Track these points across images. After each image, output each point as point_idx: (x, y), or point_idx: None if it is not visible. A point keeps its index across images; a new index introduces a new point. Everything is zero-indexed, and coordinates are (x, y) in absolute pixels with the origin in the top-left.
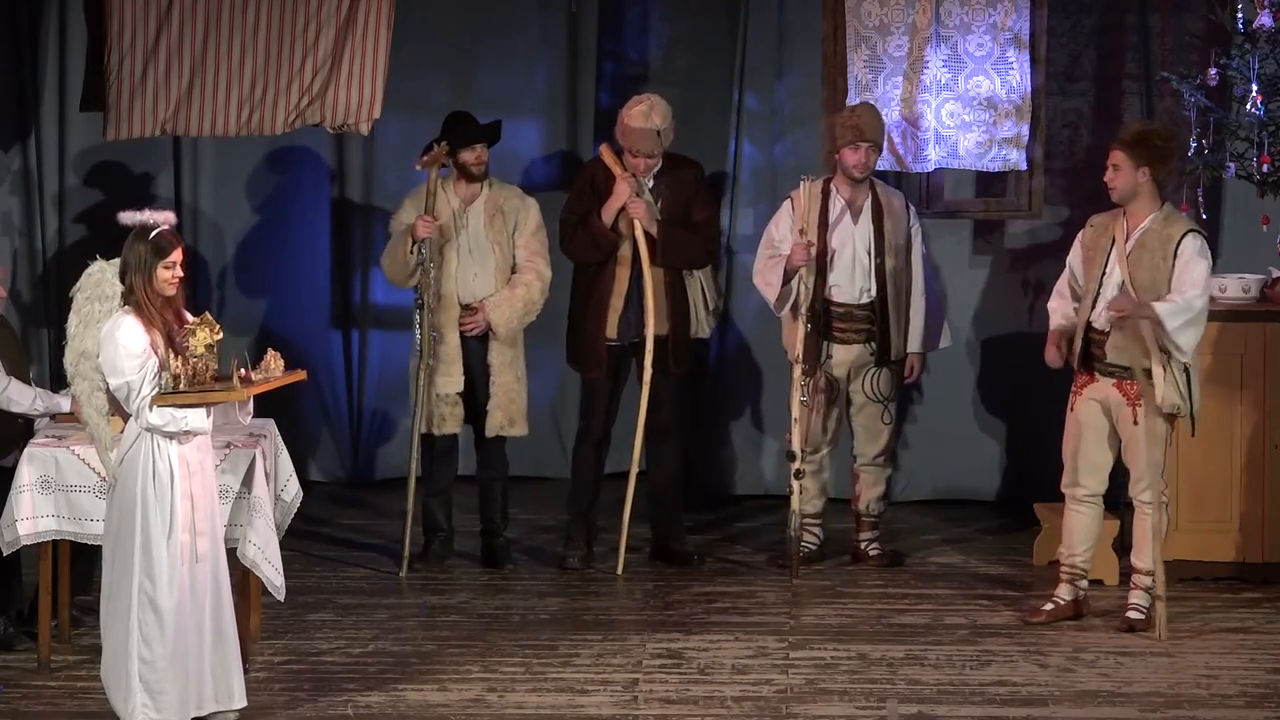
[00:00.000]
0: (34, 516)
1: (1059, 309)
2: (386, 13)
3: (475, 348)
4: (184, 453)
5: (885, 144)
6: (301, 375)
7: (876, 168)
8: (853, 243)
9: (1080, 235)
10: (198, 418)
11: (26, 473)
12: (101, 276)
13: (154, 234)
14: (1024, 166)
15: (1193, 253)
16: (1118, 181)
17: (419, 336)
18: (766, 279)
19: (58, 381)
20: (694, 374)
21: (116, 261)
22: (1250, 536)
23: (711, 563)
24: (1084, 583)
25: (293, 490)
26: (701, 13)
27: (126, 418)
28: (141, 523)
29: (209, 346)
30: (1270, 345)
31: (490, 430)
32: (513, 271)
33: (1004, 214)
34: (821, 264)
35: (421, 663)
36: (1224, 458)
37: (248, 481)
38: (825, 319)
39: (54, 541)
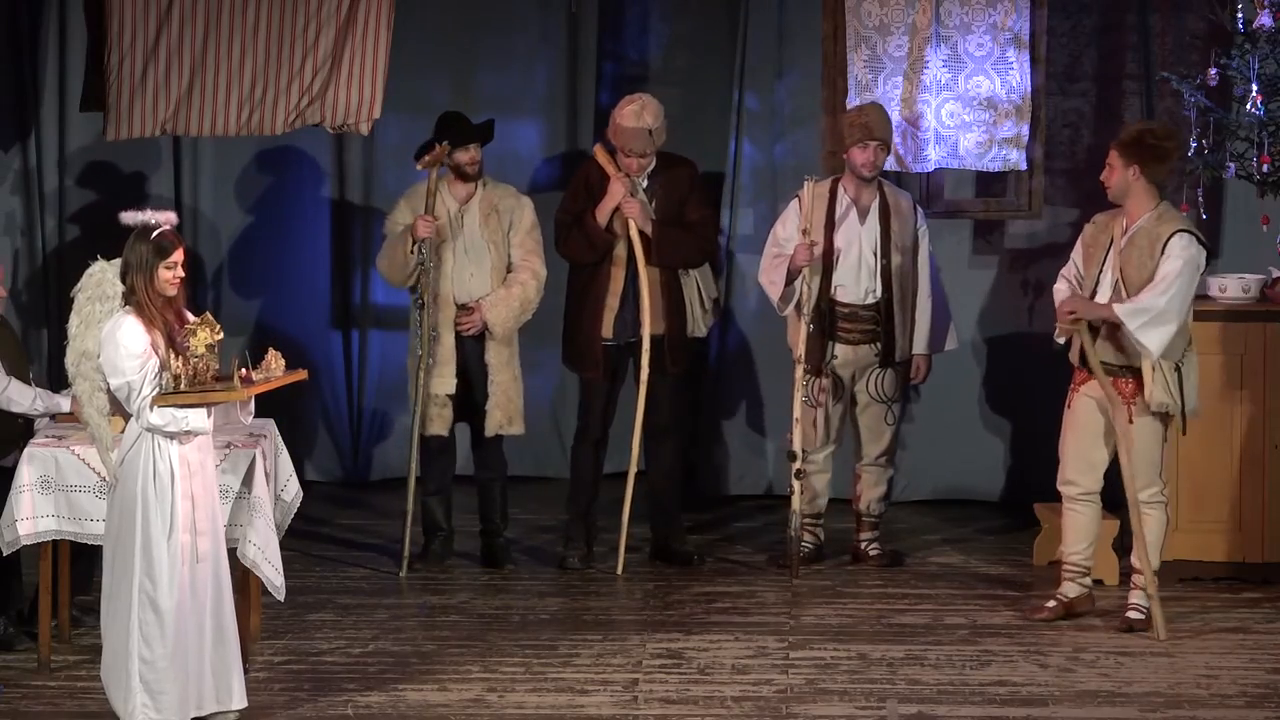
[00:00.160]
0: (34, 516)
1: (1064, 290)
2: (386, 13)
3: (472, 347)
4: (185, 453)
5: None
6: (302, 375)
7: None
8: (859, 243)
9: (1083, 232)
10: (198, 418)
11: (26, 473)
12: (103, 277)
13: (155, 234)
14: (1024, 166)
15: (1174, 252)
16: (1110, 180)
17: (418, 336)
18: (771, 278)
19: (57, 381)
20: (694, 374)
21: (117, 262)
22: (1250, 536)
23: (711, 563)
24: (1087, 579)
25: (293, 490)
26: (701, 13)
27: (127, 418)
28: (142, 523)
29: (210, 346)
30: (1270, 345)
31: (489, 429)
32: (508, 270)
33: (1004, 214)
34: (827, 263)
35: (421, 663)
36: (1224, 458)
37: (248, 481)
38: (830, 319)
39: (54, 541)
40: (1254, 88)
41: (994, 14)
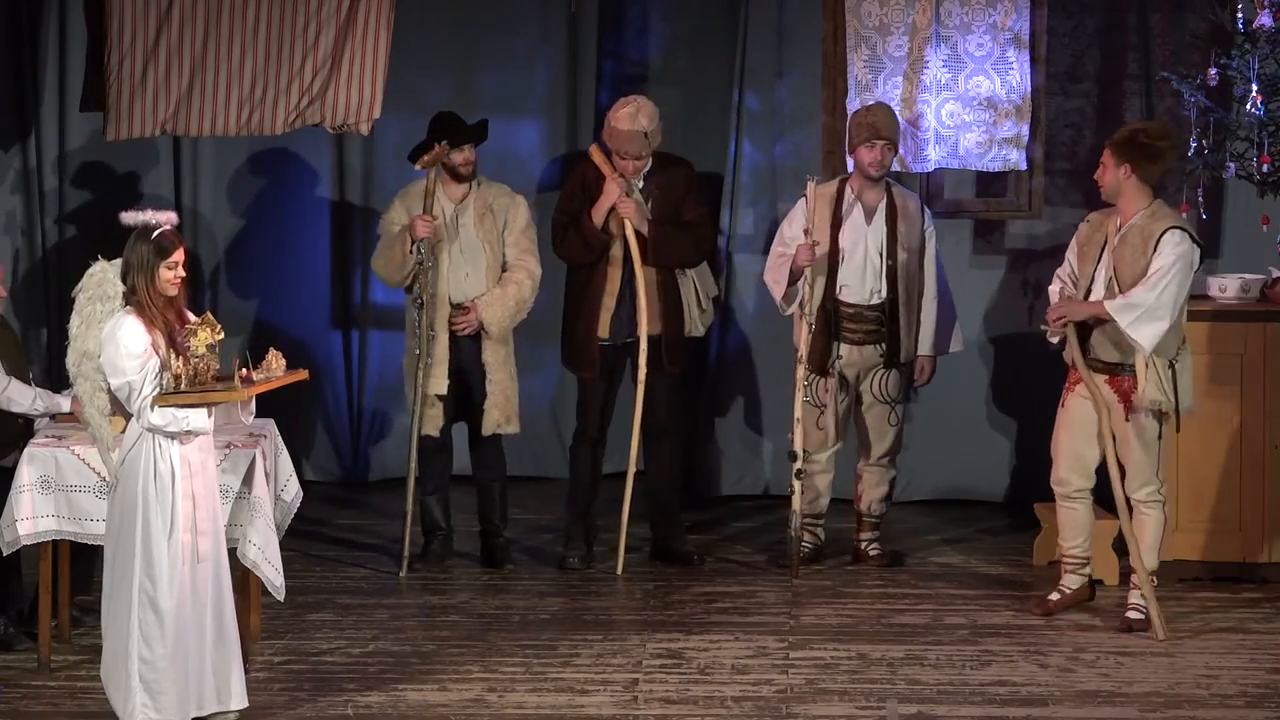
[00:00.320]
0: (34, 516)
1: (1058, 292)
2: (386, 13)
3: (468, 347)
4: (185, 453)
5: None
6: (303, 375)
7: None
8: (865, 243)
9: (1077, 231)
10: (199, 418)
11: (26, 473)
12: (103, 277)
13: (156, 234)
14: (1024, 166)
15: (1166, 248)
16: (1103, 179)
17: (415, 335)
18: (775, 277)
19: (56, 381)
20: (693, 374)
21: (118, 262)
22: (1250, 536)
23: (711, 563)
24: (1087, 569)
25: (293, 490)
26: (701, 13)
27: (128, 418)
28: (142, 522)
29: (210, 346)
30: (1270, 345)
31: (487, 428)
32: (503, 270)
33: (1004, 214)
34: (833, 263)
35: (421, 663)
36: (1224, 458)
37: (248, 481)
38: (835, 319)
39: (54, 541)
40: (1254, 88)
41: (994, 14)
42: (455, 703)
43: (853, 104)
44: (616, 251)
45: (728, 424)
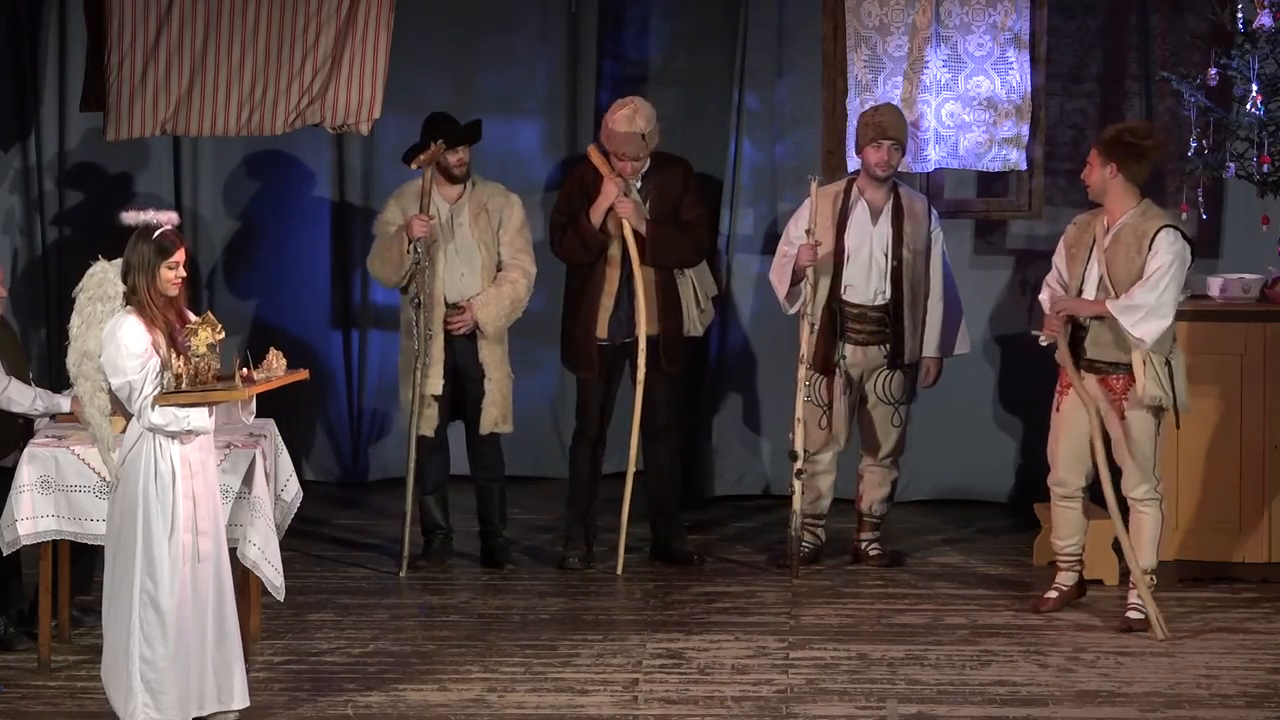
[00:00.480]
0: (34, 516)
1: (1049, 299)
2: (386, 13)
3: (464, 347)
4: (186, 452)
5: None
6: (304, 374)
7: None
8: (870, 243)
9: (1064, 234)
10: (200, 417)
11: (26, 473)
12: (104, 276)
13: (157, 234)
14: (1024, 166)
15: (1162, 248)
16: (1090, 179)
17: (412, 336)
18: (779, 276)
19: (55, 381)
20: (693, 374)
21: (118, 262)
22: (1250, 536)
23: (711, 563)
24: (1080, 567)
25: (293, 490)
26: (701, 13)
27: (128, 417)
28: (143, 522)
29: (211, 346)
30: (1270, 345)
31: (485, 427)
32: (498, 269)
33: (1004, 214)
34: (838, 263)
35: (421, 663)
36: (1224, 458)
37: (248, 481)
38: (840, 319)
39: (54, 541)
40: (1254, 88)
41: (994, 14)
42: (455, 703)
43: (853, 104)
44: (615, 251)
45: (727, 424)
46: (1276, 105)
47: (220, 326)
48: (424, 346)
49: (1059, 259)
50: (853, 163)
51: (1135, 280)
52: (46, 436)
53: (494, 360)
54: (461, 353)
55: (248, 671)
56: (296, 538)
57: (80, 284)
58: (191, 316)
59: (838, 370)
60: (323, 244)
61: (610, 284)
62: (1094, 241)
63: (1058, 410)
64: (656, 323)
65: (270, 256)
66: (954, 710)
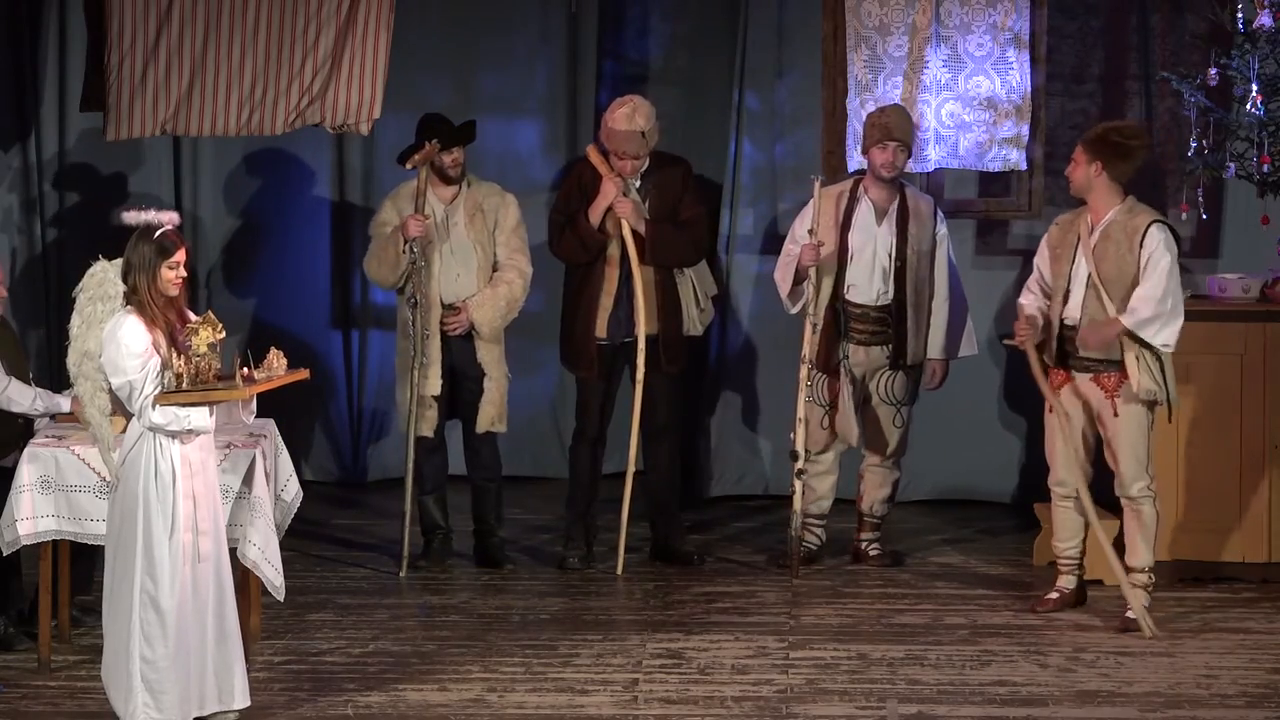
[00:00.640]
0: (34, 516)
1: (1030, 303)
2: (386, 13)
3: (462, 347)
4: (186, 452)
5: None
6: (304, 374)
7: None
8: (874, 244)
9: (1046, 235)
10: (200, 416)
11: (26, 473)
12: (104, 276)
13: (158, 234)
14: (1024, 166)
15: (1156, 248)
16: (1074, 176)
17: (409, 336)
18: (782, 275)
19: (54, 381)
20: (693, 373)
21: (119, 262)
22: (1250, 536)
23: (711, 563)
24: (1080, 570)
25: (293, 490)
26: (701, 13)
27: (128, 417)
28: (143, 522)
29: (211, 346)
30: (1270, 345)
31: (481, 426)
32: (494, 269)
33: (1005, 214)
34: (841, 262)
35: (421, 663)
36: (1224, 458)
37: (248, 481)
38: (844, 319)
39: (54, 541)
40: (1254, 88)
41: (994, 14)
42: (455, 703)
43: (853, 104)
44: (614, 251)
45: (727, 424)
46: (1276, 105)
47: (221, 326)
48: (420, 347)
49: (1041, 261)
50: (853, 163)
51: (1128, 277)
52: (46, 436)
53: (492, 360)
54: (459, 353)
55: (248, 671)
56: (296, 538)
57: (81, 284)
58: (192, 316)
59: (843, 370)
60: (323, 244)
61: (609, 284)
62: (1078, 241)
63: (1050, 411)
64: (656, 322)
65: (270, 256)
66: (954, 710)
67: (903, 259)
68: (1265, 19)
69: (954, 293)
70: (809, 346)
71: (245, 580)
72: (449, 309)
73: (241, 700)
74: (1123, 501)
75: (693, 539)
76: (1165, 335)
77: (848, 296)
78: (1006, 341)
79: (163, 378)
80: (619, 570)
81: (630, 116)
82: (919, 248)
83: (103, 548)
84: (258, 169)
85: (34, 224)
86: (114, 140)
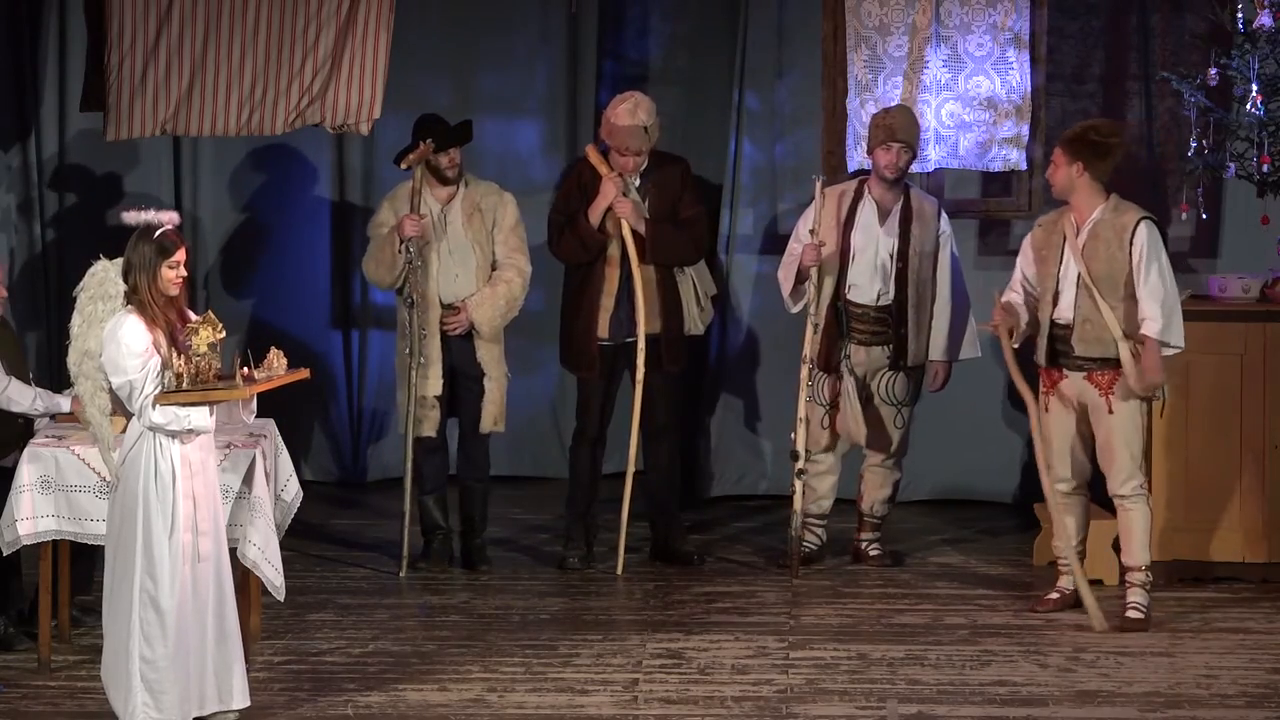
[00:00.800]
0: (34, 516)
1: (1017, 299)
2: (386, 13)
3: (461, 347)
4: (186, 452)
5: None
6: (305, 374)
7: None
8: (876, 245)
9: (1029, 238)
10: (201, 416)
11: (26, 473)
12: (105, 276)
13: (158, 233)
14: (1024, 166)
15: (1148, 246)
16: (1055, 178)
17: (407, 336)
18: (784, 274)
19: (54, 381)
20: (693, 373)
21: (119, 261)
22: (1250, 536)
23: (711, 563)
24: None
25: (293, 490)
26: (701, 13)
27: (128, 417)
28: (143, 522)
29: (212, 345)
30: (1270, 345)
31: (484, 426)
32: (493, 269)
33: (1004, 213)
34: (844, 262)
35: (421, 663)
36: (1224, 458)
37: (248, 481)
38: (845, 318)
39: (54, 541)
40: (1254, 88)
41: (994, 14)
42: (455, 703)
43: (853, 104)
44: (614, 251)
45: (728, 424)
46: (1276, 105)
47: (221, 326)
48: (417, 347)
49: (1024, 261)
50: (853, 163)
51: (1120, 275)
52: (46, 436)
53: (492, 360)
54: (458, 353)
55: (248, 671)
56: (296, 538)
57: (81, 283)
58: (192, 316)
59: (845, 369)
60: (323, 244)
61: (610, 284)
62: (1064, 242)
63: (1046, 411)
64: (657, 321)
65: (270, 256)
66: (954, 710)
67: (904, 260)
68: (1265, 19)
69: (956, 295)
70: (810, 346)
71: (245, 580)
72: (448, 309)
73: (241, 700)
74: (1116, 501)
75: (693, 539)
76: (1179, 335)
77: (849, 296)
78: (981, 326)
79: (163, 377)
80: (619, 570)
81: (633, 111)
82: (921, 249)
83: (103, 548)
84: (258, 169)
85: (33, 224)
86: (114, 140)
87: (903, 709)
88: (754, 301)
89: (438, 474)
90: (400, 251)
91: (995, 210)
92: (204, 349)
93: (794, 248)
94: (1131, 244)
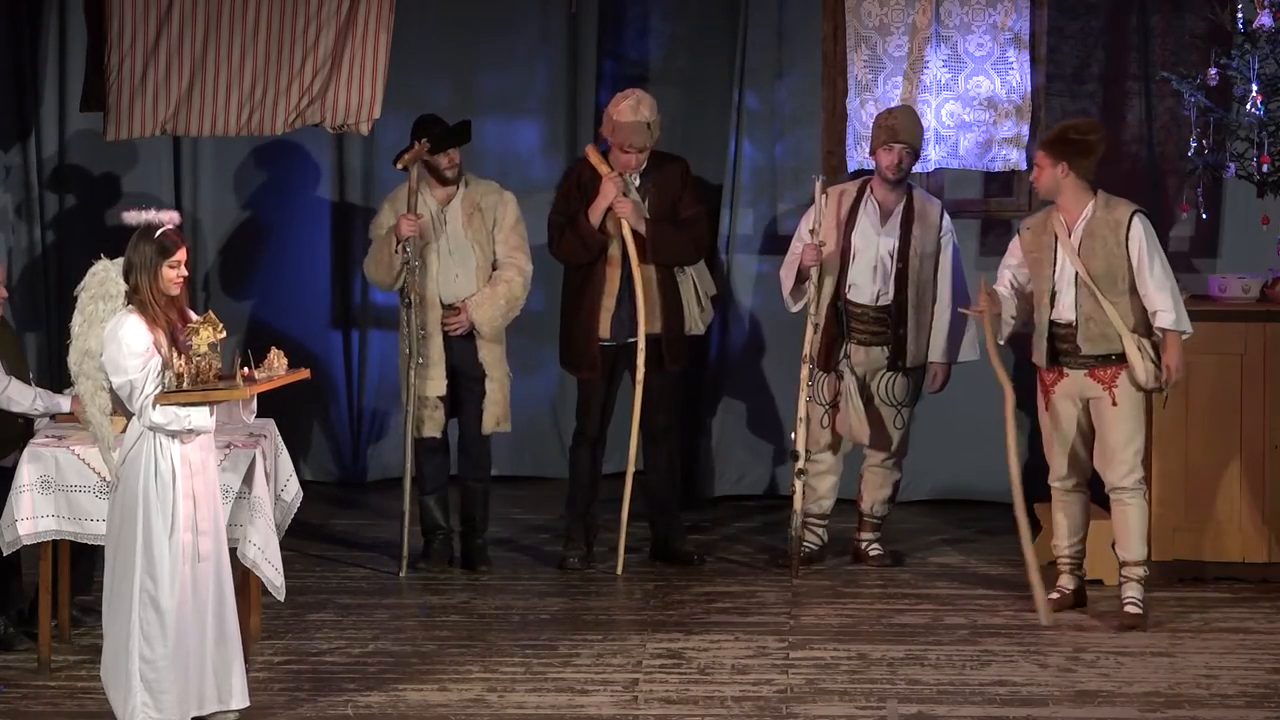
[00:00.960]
0: (34, 516)
1: (1005, 292)
2: (386, 13)
3: (463, 347)
4: (186, 452)
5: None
6: (305, 374)
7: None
8: (876, 245)
9: (1017, 240)
10: (201, 416)
11: (27, 473)
12: (106, 275)
13: (159, 233)
14: (1024, 166)
15: (1145, 240)
16: (1040, 180)
17: (407, 336)
18: (786, 273)
19: (54, 381)
20: (693, 373)
21: (120, 261)
22: (1250, 536)
23: (711, 563)
24: (1081, 570)
25: (293, 490)
26: (701, 13)
27: (128, 417)
28: (143, 522)
29: (212, 345)
30: (1270, 345)
31: (487, 427)
32: (494, 268)
33: (1005, 213)
34: (844, 262)
35: (421, 663)
36: (1224, 458)
37: (248, 481)
38: (845, 318)
39: (54, 541)
40: (1254, 88)
41: (994, 14)
42: (455, 703)
43: (853, 104)
44: (614, 251)
45: (728, 424)
46: (1276, 105)
47: (221, 326)
48: (415, 347)
49: (1013, 261)
50: (853, 163)
51: (1119, 271)
52: (46, 436)
53: (493, 360)
54: (460, 353)
55: (248, 671)
56: (296, 538)
57: (82, 282)
58: (193, 316)
59: (846, 369)
60: (323, 244)
61: (611, 284)
62: (1056, 243)
63: (1046, 409)
64: (658, 321)
65: (270, 256)
66: (954, 710)
67: (904, 260)
68: (1265, 19)
69: (957, 296)
70: (810, 346)
71: (245, 580)
72: (449, 309)
73: (240, 700)
74: (1114, 496)
75: (693, 539)
76: (1188, 321)
77: (848, 296)
78: (962, 310)
79: (163, 377)
80: (619, 570)
81: (635, 108)
82: (922, 250)
83: (103, 548)
84: (258, 169)
85: (33, 224)
86: (114, 140)
87: (903, 709)
88: (754, 302)
89: (439, 474)
90: (397, 252)
91: (995, 210)
92: (204, 349)
93: (796, 247)
94: (1128, 239)
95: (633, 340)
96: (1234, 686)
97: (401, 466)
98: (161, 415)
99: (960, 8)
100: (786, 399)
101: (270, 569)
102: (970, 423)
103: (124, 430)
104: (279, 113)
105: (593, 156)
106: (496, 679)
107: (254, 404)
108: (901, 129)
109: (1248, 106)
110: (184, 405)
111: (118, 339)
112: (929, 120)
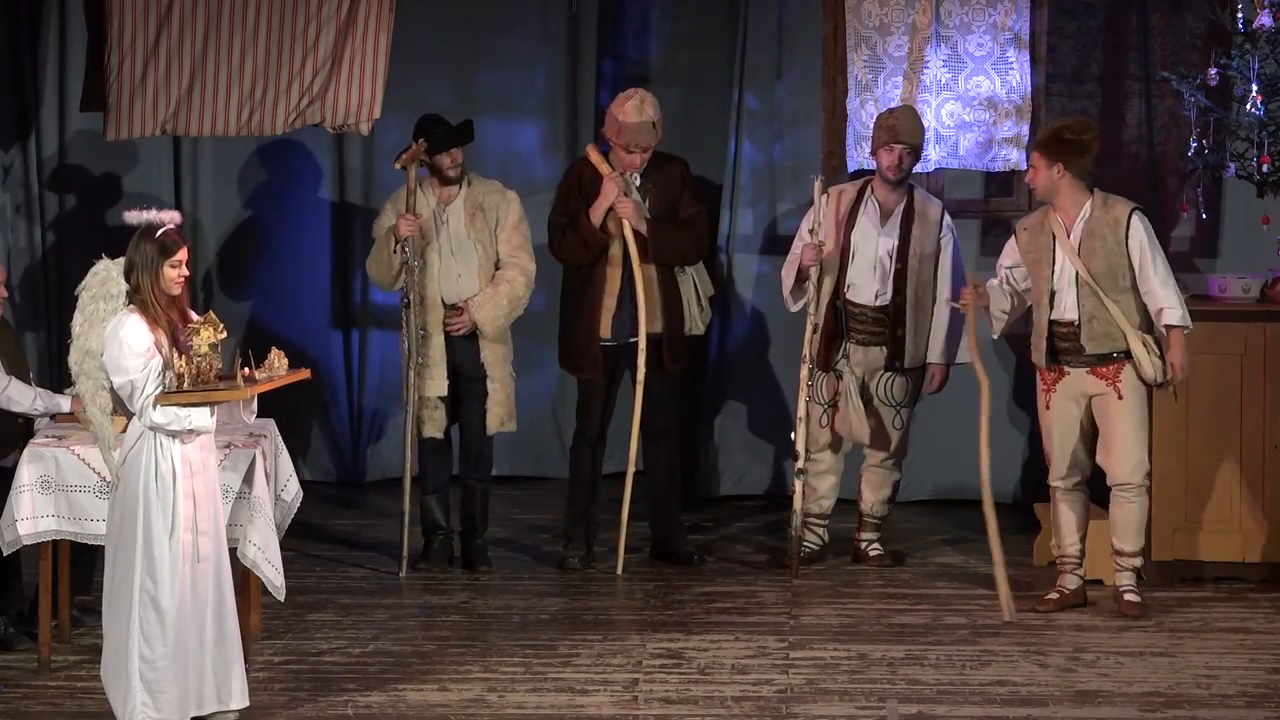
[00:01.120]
0: (34, 516)
1: (996, 287)
2: (386, 13)
3: (465, 347)
4: (186, 452)
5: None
6: (305, 374)
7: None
8: (875, 245)
9: (1013, 240)
10: (201, 416)
11: (27, 473)
12: (107, 275)
13: (160, 233)
14: (1024, 166)
15: (1146, 240)
16: (1036, 181)
17: (407, 336)
18: (787, 272)
19: (54, 381)
20: (693, 373)
21: (121, 260)
22: (1250, 536)
23: (711, 563)
24: (1082, 570)
25: (293, 490)
26: (701, 13)
27: (129, 417)
28: (144, 522)
29: (213, 345)
30: (1270, 345)
31: (491, 428)
32: (496, 267)
33: (1005, 213)
34: (844, 262)
35: (421, 663)
36: (1224, 458)
37: (248, 481)
38: (844, 318)
39: (54, 541)
40: (1254, 88)
41: (994, 14)
42: (455, 703)
43: (853, 104)
44: (615, 251)
45: (728, 424)
46: (1276, 105)
47: (222, 326)
48: (415, 347)
49: (1008, 261)
50: (853, 163)
51: (1120, 269)
52: (46, 436)
53: (495, 360)
54: (462, 353)
55: (247, 671)
56: (296, 538)
57: (83, 282)
58: (194, 316)
59: (845, 369)
60: (323, 244)
61: (612, 284)
62: (1054, 243)
63: (1047, 409)
64: (659, 321)
65: (270, 256)
66: (954, 710)
67: (903, 261)
68: (1265, 19)
69: (957, 297)
70: (809, 346)
71: (245, 580)
72: (451, 309)
73: (240, 700)
74: (1117, 492)
75: (693, 539)
76: (1188, 316)
77: (848, 296)
78: (950, 302)
79: (164, 377)
80: (619, 570)
81: (639, 108)
82: (922, 251)
83: (103, 548)
84: (258, 169)
85: (33, 224)
86: (114, 140)
87: (903, 709)
88: (754, 302)
89: (440, 474)
90: (395, 251)
91: (995, 210)
92: (205, 349)
93: (797, 247)
94: (1128, 238)
95: (633, 340)
96: (1234, 686)
97: (401, 466)
98: (162, 415)
99: (960, 8)
100: (787, 398)
101: (270, 569)
102: (970, 423)
103: (124, 430)
104: (279, 113)
105: (593, 156)
106: (496, 679)
107: (254, 404)
108: (902, 129)
109: (1248, 106)
110: (185, 405)
111: (119, 339)
112: (929, 120)
